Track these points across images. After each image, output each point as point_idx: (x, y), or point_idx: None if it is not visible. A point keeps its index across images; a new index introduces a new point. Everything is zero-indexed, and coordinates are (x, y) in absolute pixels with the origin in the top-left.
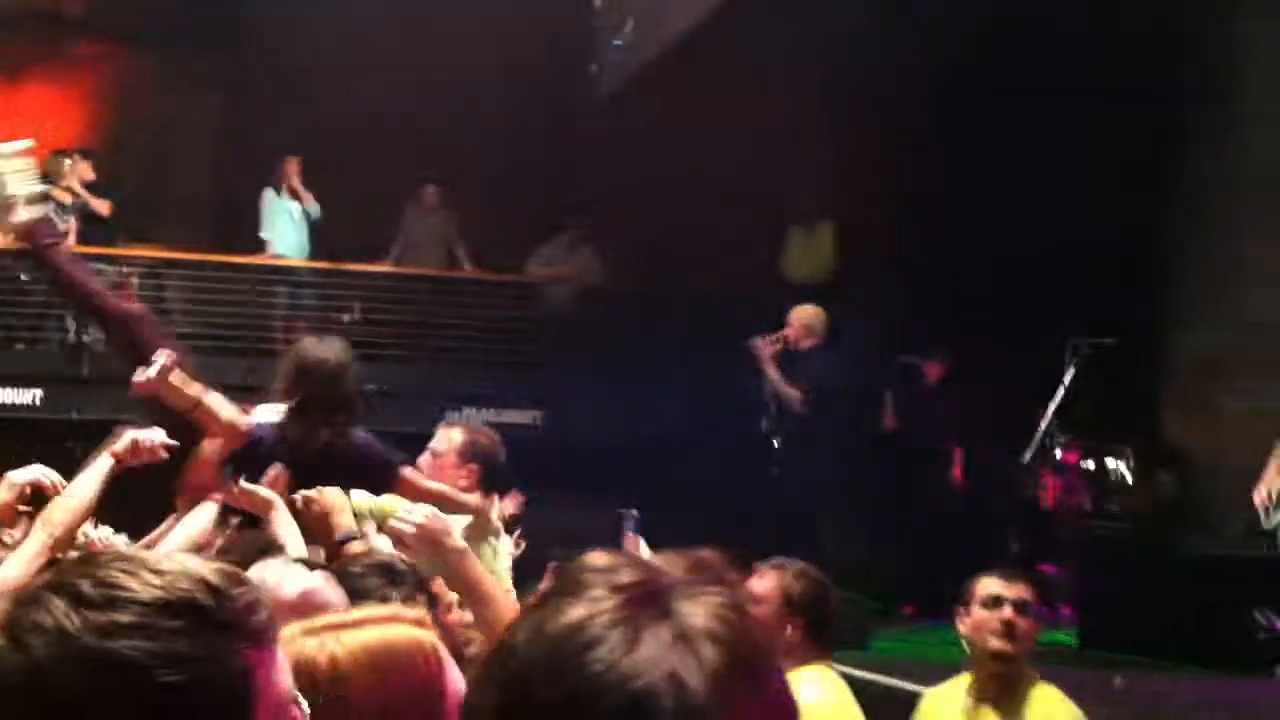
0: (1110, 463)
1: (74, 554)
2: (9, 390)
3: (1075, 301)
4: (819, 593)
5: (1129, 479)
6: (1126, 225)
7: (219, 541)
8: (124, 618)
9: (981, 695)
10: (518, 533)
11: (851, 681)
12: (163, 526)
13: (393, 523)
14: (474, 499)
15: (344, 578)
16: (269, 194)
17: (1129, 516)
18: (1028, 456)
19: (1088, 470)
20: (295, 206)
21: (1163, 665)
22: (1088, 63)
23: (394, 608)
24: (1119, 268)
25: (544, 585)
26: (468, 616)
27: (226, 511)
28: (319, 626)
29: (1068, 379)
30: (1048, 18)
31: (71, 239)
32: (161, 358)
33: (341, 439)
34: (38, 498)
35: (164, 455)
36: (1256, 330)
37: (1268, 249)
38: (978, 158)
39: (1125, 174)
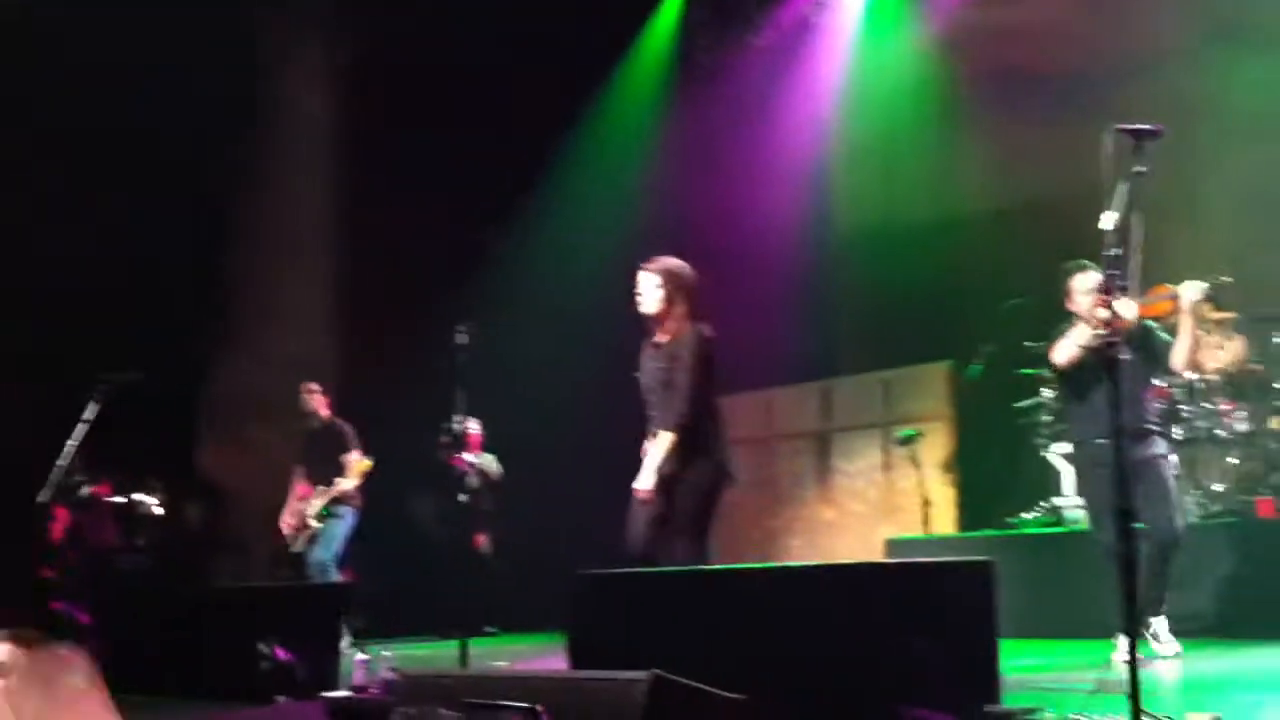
0: (140, 497)
1: None
2: None
3: (104, 337)
4: None
5: (159, 512)
6: (164, 261)
7: None
8: None
9: None
10: None
11: None
12: None
13: None
14: None
15: None
16: None
17: (157, 551)
18: (48, 494)
19: (117, 505)
20: None
21: (171, 703)
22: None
23: None
24: (153, 300)
25: None
26: None
27: None
28: None
29: (90, 414)
30: None
31: None
32: None
33: None
34: None
35: None
36: (283, 368)
37: (297, 290)
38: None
39: (169, 212)
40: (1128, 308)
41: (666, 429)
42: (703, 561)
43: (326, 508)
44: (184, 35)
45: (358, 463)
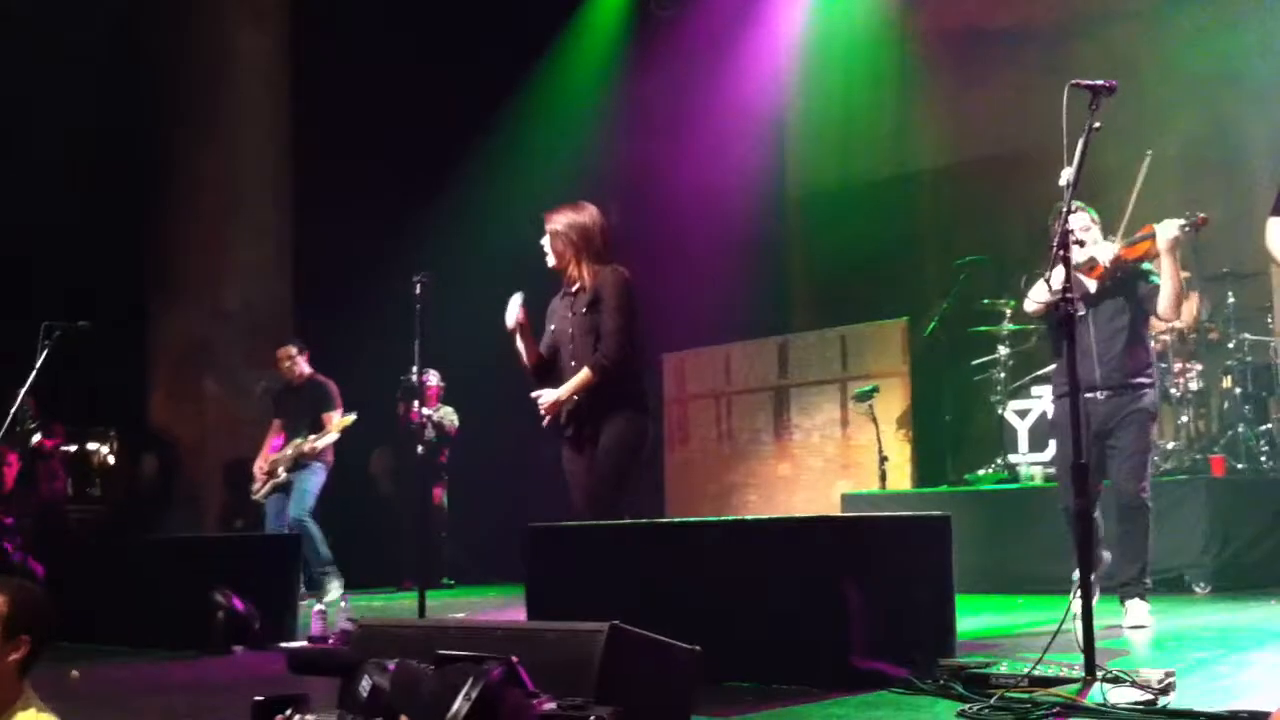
0: (93, 447)
1: None
2: None
3: (51, 282)
4: None
5: (112, 462)
6: (111, 208)
7: None
8: None
9: None
10: None
11: None
12: None
13: None
14: None
15: None
16: None
17: (109, 501)
18: None
19: (69, 454)
20: None
21: (126, 652)
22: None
23: None
24: (100, 249)
25: None
26: None
27: None
28: None
29: (40, 361)
30: None
31: None
32: None
33: None
34: None
35: None
36: (235, 318)
37: (247, 241)
38: None
39: (117, 159)
40: (1106, 251)
41: (590, 366)
42: (618, 515)
43: (298, 461)
44: None
45: (340, 420)
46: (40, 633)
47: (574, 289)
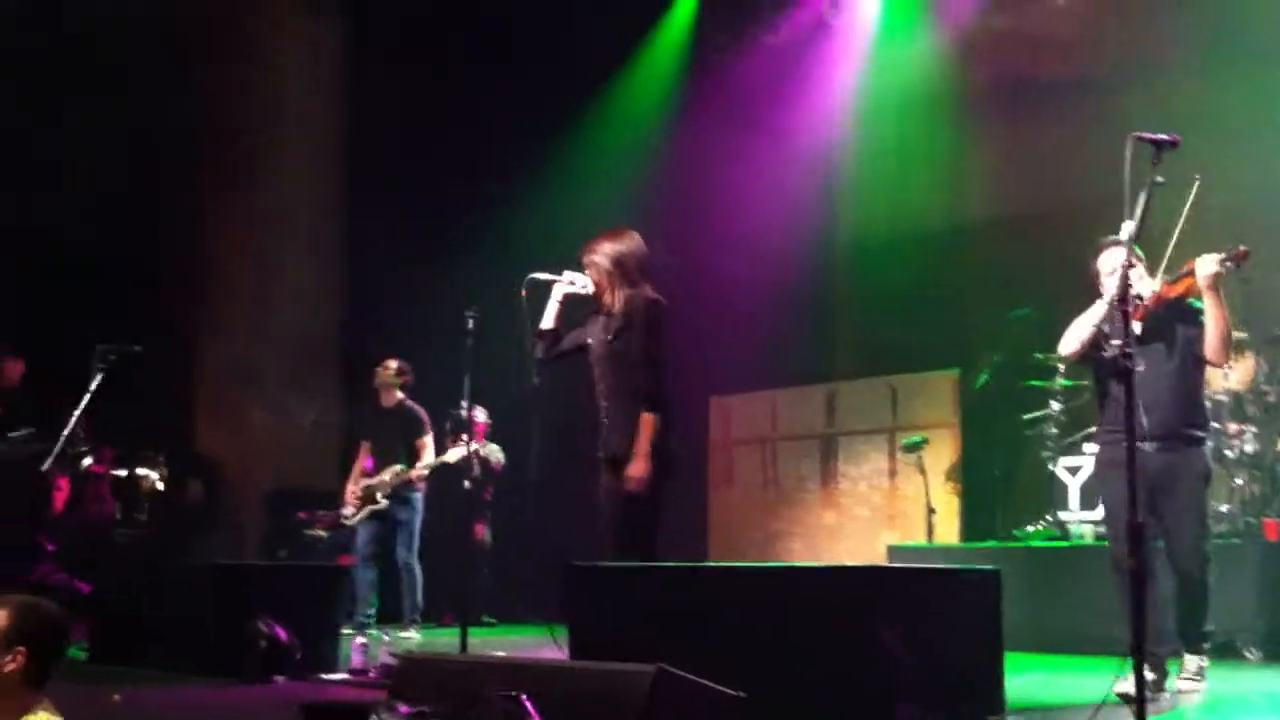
0: (142, 471)
1: None
2: None
3: (103, 306)
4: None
5: (160, 487)
6: (159, 234)
7: None
8: None
9: None
10: None
11: None
12: None
13: None
14: None
15: None
16: None
17: (155, 525)
18: (48, 463)
19: (118, 478)
20: None
21: (166, 677)
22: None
23: None
24: (151, 275)
25: None
26: None
27: None
28: None
29: (94, 385)
30: None
31: None
32: None
33: None
34: None
35: None
36: (284, 343)
37: (298, 267)
38: None
39: (170, 184)
40: (1146, 286)
41: (646, 410)
42: (652, 555)
43: (397, 490)
44: None
45: (449, 451)
46: (39, 646)
47: (607, 312)
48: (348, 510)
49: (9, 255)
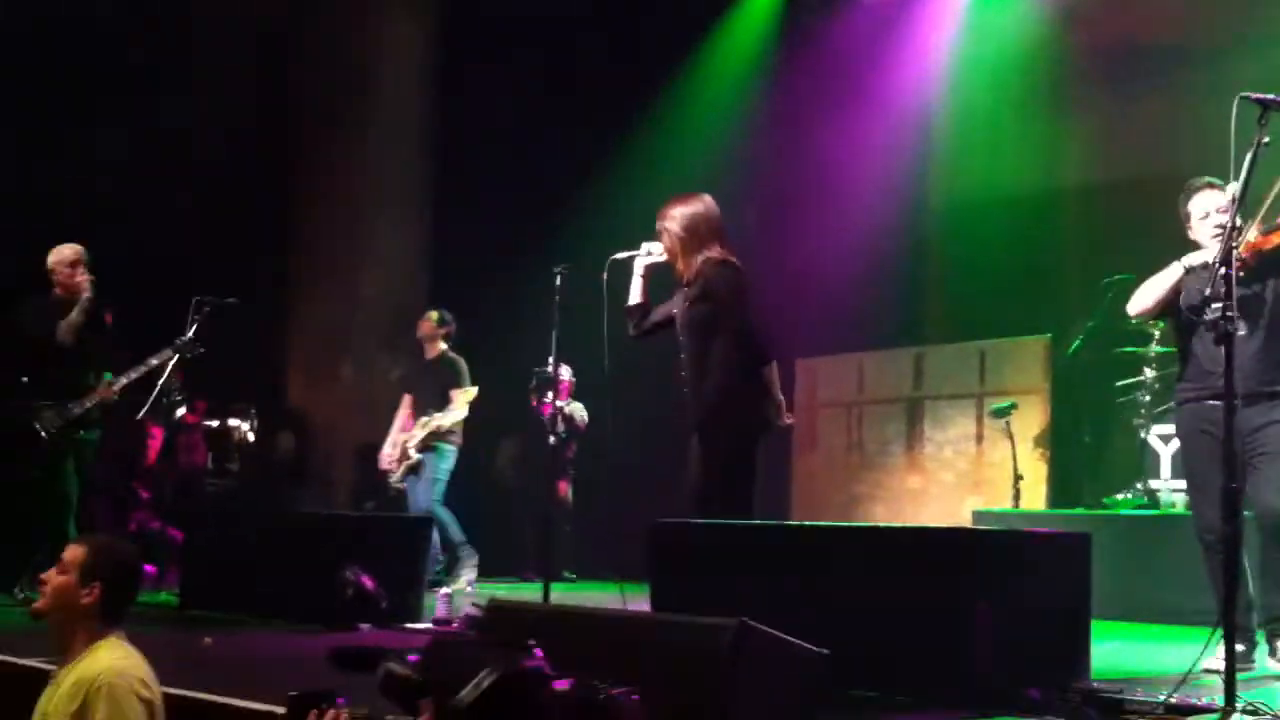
0: (234, 423)
1: None
2: None
3: (202, 261)
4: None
5: (251, 439)
6: (260, 193)
7: None
8: None
9: (54, 651)
10: None
11: None
12: None
13: None
14: None
15: None
16: None
17: (246, 475)
18: (143, 413)
19: (210, 429)
20: None
21: (255, 623)
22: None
23: None
24: (249, 232)
25: None
26: None
27: None
28: None
29: (189, 335)
30: None
31: None
32: None
33: None
34: None
35: None
36: (374, 304)
37: (388, 230)
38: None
39: (267, 147)
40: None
41: (763, 364)
42: (747, 513)
43: (427, 441)
44: None
45: (463, 394)
46: (114, 583)
47: (683, 280)
48: (393, 476)
49: (122, 215)
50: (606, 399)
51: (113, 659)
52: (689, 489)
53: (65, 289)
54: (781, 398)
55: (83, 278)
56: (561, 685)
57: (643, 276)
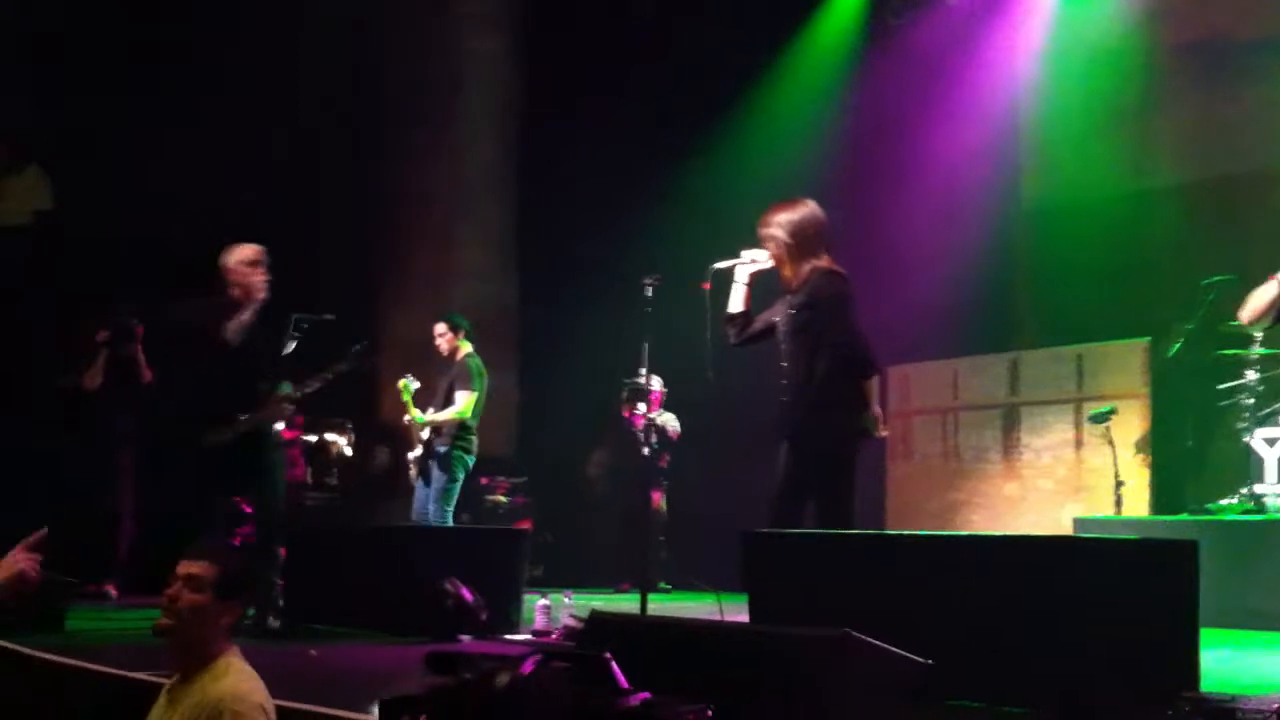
0: (331, 437)
1: None
2: None
3: (297, 278)
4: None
5: (349, 453)
6: (348, 208)
7: None
8: None
9: (172, 668)
10: None
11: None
12: None
13: None
14: None
15: None
16: None
17: (344, 489)
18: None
19: (309, 443)
20: None
21: (357, 634)
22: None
23: None
24: (338, 248)
25: None
26: None
27: None
28: None
29: (288, 351)
30: None
31: None
32: None
33: None
34: None
35: None
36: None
37: (475, 242)
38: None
39: (353, 161)
40: None
41: (865, 377)
42: (847, 524)
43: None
44: None
45: (467, 396)
46: (248, 599)
47: (789, 288)
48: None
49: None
50: (702, 411)
51: (235, 680)
52: (777, 494)
53: (242, 290)
54: (880, 410)
55: (260, 278)
56: (633, 701)
57: (745, 285)
